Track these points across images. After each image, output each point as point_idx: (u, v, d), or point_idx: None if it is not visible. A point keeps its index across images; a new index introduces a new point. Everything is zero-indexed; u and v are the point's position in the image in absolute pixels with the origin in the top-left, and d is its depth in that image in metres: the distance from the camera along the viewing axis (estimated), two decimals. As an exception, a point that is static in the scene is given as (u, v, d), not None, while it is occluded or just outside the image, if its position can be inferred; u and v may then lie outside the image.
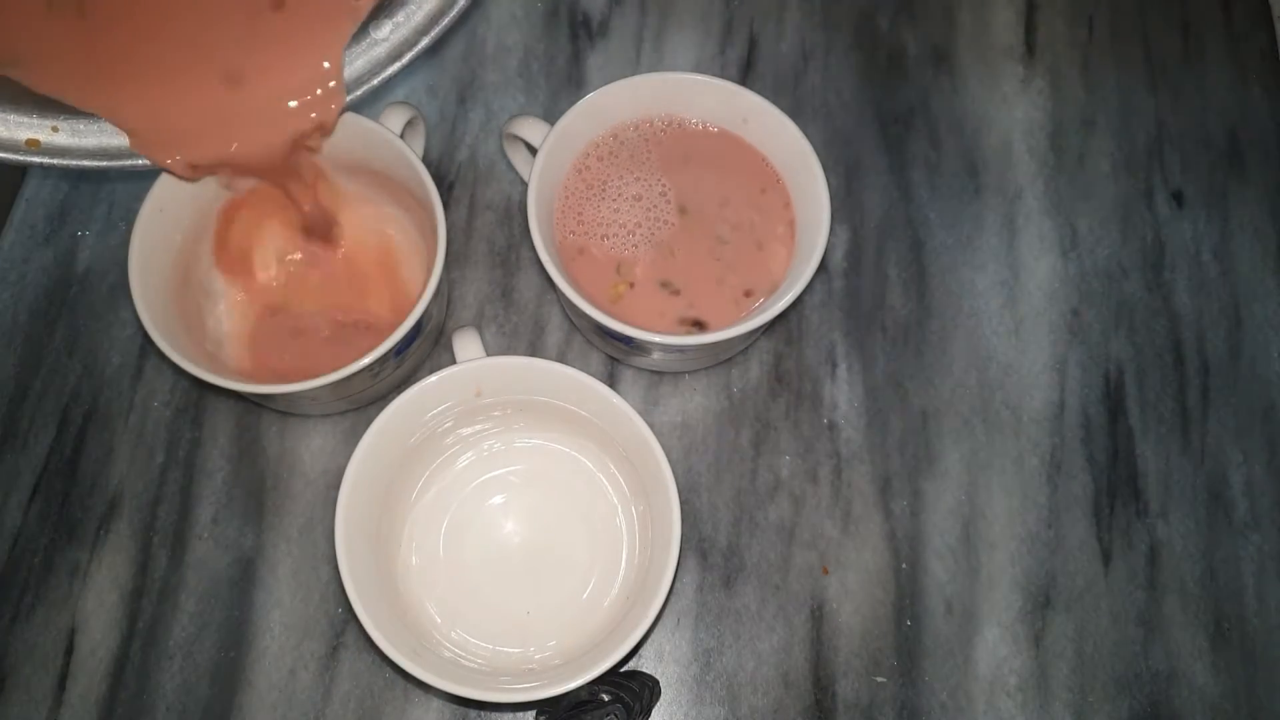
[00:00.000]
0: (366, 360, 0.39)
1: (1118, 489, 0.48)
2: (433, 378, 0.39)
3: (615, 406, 0.39)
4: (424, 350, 0.47)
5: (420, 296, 0.41)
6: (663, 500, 0.38)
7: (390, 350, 0.40)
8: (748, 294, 0.44)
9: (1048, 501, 0.47)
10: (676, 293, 0.45)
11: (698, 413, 0.48)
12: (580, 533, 0.43)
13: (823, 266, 0.49)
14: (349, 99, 0.41)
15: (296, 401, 0.44)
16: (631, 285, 0.45)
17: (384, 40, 0.41)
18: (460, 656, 0.40)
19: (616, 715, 0.40)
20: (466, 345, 0.41)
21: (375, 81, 0.41)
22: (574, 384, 0.39)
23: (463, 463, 0.44)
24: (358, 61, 0.41)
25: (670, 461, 0.46)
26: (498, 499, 0.44)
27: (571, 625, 0.41)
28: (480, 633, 0.41)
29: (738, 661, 0.44)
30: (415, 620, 0.41)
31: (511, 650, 0.41)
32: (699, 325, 0.44)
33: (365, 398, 0.45)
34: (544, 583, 0.43)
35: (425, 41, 0.40)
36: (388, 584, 0.40)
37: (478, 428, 0.43)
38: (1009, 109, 0.55)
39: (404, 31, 0.41)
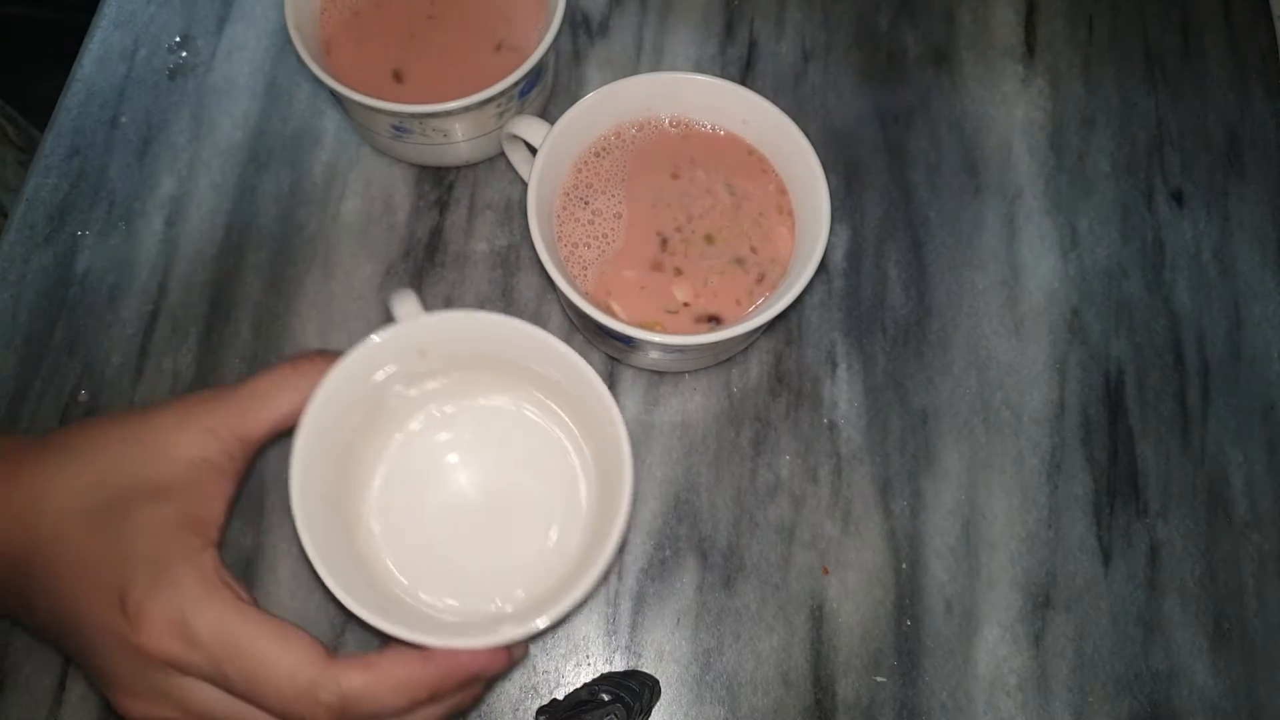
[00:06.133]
0: (509, 80, 0.44)
1: (1118, 489, 0.48)
2: (374, 338, 0.39)
3: (548, 345, 0.39)
4: (540, 102, 0.51)
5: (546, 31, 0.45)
6: (609, 431, 0.38)
7: (524, 76, 0.45)
8: (760, 279, 0.44)
9: (1048, 501, 0.47)
10: (681, 285, 0.45)
11: (698, 413, 0.48)
12: (538, 481, 0.43)
13: (823, 266, 0.49)
14: None
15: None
16: (643, 288, 0.45)
17: None
18: (431, 615, 0.40)
19: (616, 715, 0.40)
20: (405, 304, 0.40)
21: None
22: (511, 331, 0.39)
23: (415, 426, 0.44)
24: None
25: (670, 462, 0.46)
26: (453, 458, 0.43)
27: (541, 573, 0.41)
28: (449, 591, 0.41)
29: (738, 661, 0.44)
30: (384, 586, 0.41)
31: (482, 606, 0.41)
32: (715, 320, 0.44)
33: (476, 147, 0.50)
34: (509, 535, 0.42)
35: None
36: (351, 553, 0.40)
37: (426, 390, 0.43)
38: (1009, 109, 0.55)
39: None
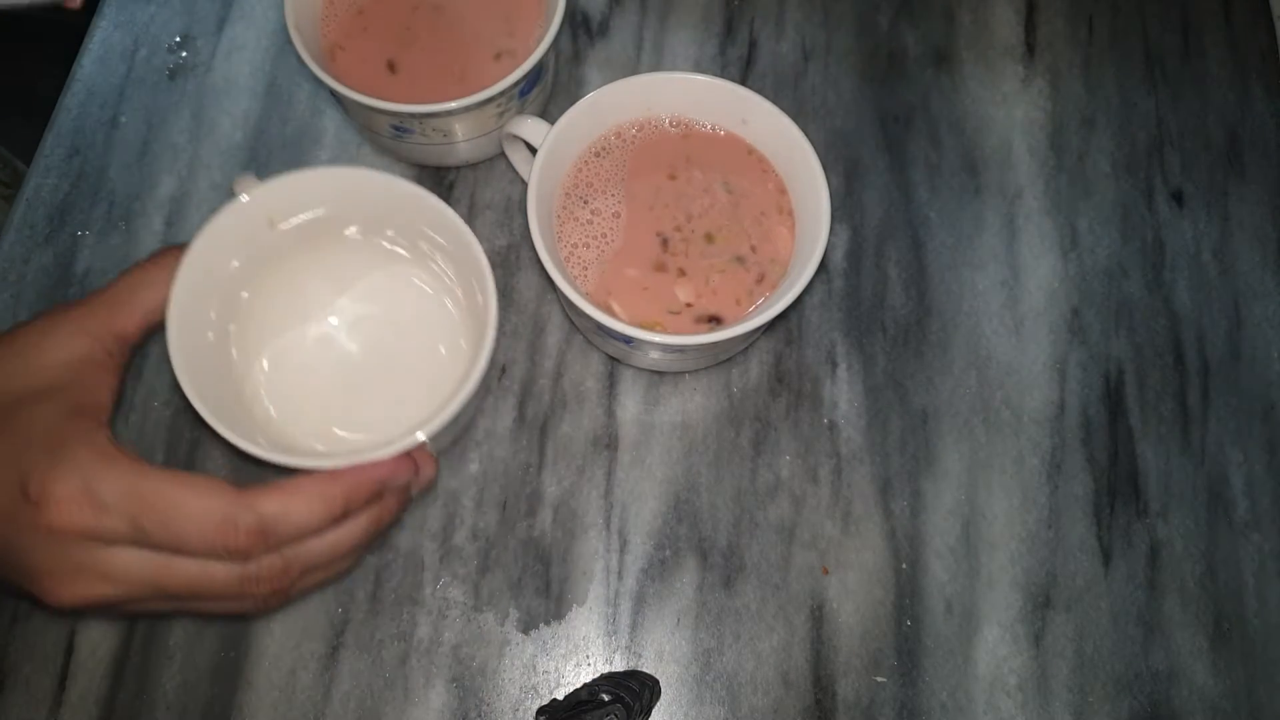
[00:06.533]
0: (509, 80, 0.44)
1: (1118, 489, 0.48)
2: (219, 215, 0.39)
3: (383, 182, 0.40)
4: (540, 103, 0.51)
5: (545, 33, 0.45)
6: (464, 250, 0.39)
7: (524, 76, 0.45)
8: (760, 279, 0.44)
9: (1048, 501, 0.47)
10: (684, 286, 0.45)
11: (698, 413, 0.48)
12: (414, 315, 0.44)
13: (823, 266, 0.49)
14: None
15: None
16: (646, 289, 0.45)
17: None
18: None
19: (616, 715, 0.40)
20: (243, 181, 0.41)
21: None
22: (344, 179, 0.40)
23: (284, 302, 0.44)
24: None
25: (670, 461, 0.46)
26: (332, 320, 0.44)
27: (442, 393, 0.41)
28: (362, 442, 0.41)
29: (738, 661, 0.44)
30: (293, 450, 0.41)
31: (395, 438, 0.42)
32: (715, 320, 0.44)
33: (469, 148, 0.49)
34: (402, 373, 0.43)
35: None
36: (256, 430, 0.40)
37: (290, 265, 0.44)
38: (1009, 109, 0.55)
39: None
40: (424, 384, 0.43)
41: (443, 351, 0.43)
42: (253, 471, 0.47)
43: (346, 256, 0.44)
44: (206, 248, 0.38)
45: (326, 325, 0.44)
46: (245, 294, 0.42)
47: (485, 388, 0.42)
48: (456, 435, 0.45)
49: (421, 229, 0.42)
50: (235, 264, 0.40)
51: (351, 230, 0.43)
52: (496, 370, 0.49)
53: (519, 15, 0.49)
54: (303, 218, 0.41)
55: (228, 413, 0.37)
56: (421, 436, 0.36)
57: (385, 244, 0.44)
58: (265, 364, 0.43)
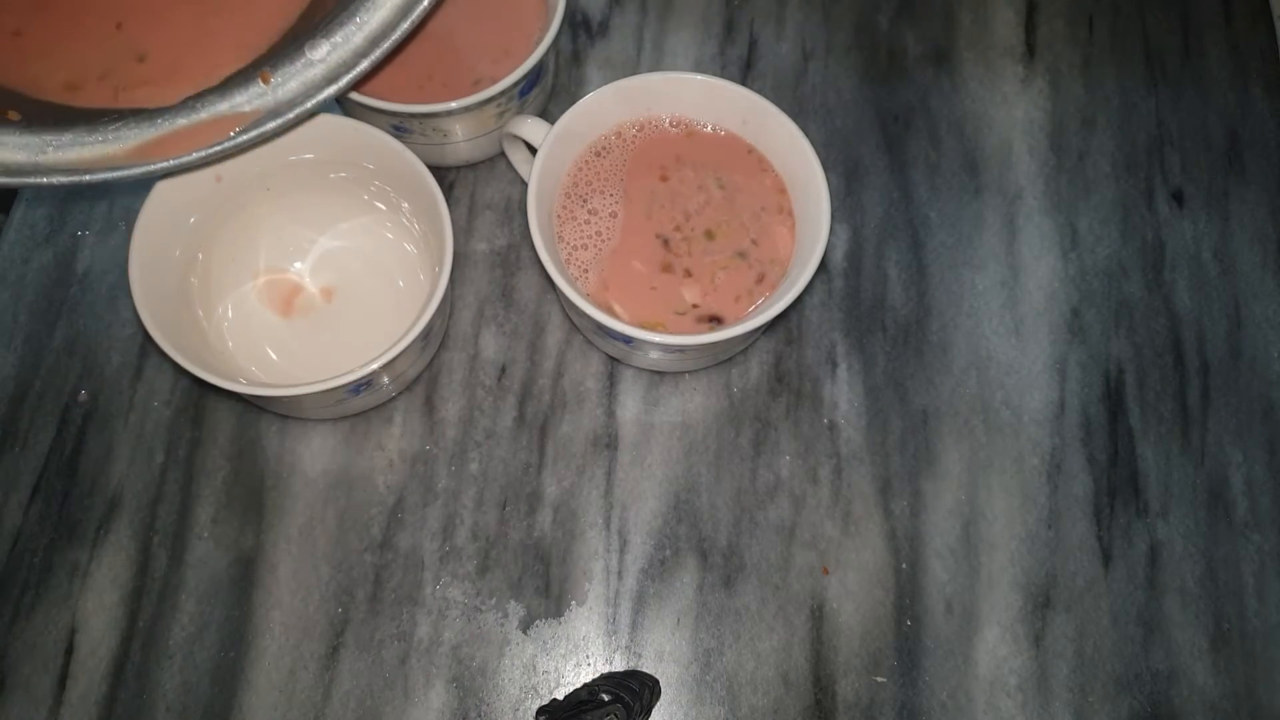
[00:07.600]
0: (508, 81, 0.44)
1: (1118, 489, 0.48)
2: (168, 181, 0.41)
3: (335, 124, 0.42)
4: (540, 103, 0.51)
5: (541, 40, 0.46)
6: (418, 183, 0.41)
7: (524, 76, 0.45)
8: (760, 279, 0.44)
9: (1048, 501, 0.47)
10: (691, 286, 0.45)
11: (698, 413, 0.48)
12: (372, 255, 0.46)
13: (823, 266, 0.49)
14: (281, 122, 0.40)
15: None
16: (652, 286, 0.45)
17: (320, 62, 0.40)
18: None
19: (616, 715, 0.40)
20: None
21: (309, 104, 0.40)
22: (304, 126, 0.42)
23: (245, 255, 0.46)
24: (291, 83, 0.41)
25: (670, 461, 0.46)
26: (297, 265, 0.46)
27: (405, 325, 0.42)
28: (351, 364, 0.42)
29: (738, 661, 0.44)
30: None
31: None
32: (716, 320, 0.44)
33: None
34: (375, 296, 0.46)
35: (364, 65, 0.40)
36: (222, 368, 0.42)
37: (245, 218, 0.45)
38: (1009, 109, 0.55)
39: (341, 54, 0.40)
40: (389, 310, 0.46)
41: (401, 284, 0.46)
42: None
43: (306, 200, 0.45)
44: (157, 209, 0.40)
45: (293, 272, 0.46)
46: (206, 254, 0.44)
47: (443, 315, 0.45)
48: (420, 366, 0.47)
49: (365, 165, 0.43)
50: (191, 223, 0.43)
51: (313, 185, 0.45)
52: (496, 369, 0.49)
53: (519, 15, 0.49)
54: (251, 172, 0.43)
55: (193, 351, 0.40)
56: (374, 365, 0.39)
57: (342, 184, 0.45)
58: (229, 309, 0.45)
